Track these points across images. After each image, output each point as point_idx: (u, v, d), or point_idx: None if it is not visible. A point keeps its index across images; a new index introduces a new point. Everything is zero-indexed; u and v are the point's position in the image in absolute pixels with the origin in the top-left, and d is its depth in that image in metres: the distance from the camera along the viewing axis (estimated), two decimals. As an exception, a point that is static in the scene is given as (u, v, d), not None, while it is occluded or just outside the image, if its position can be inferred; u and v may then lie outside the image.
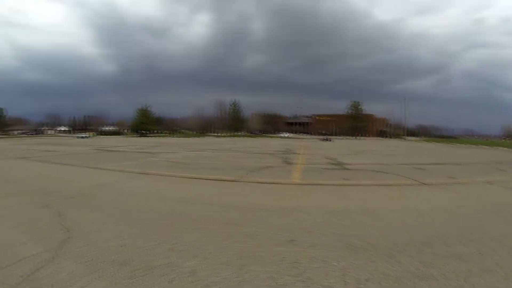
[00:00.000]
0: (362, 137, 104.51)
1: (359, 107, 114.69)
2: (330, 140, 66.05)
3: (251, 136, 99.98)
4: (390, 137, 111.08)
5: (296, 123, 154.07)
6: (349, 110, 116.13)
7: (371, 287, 2.92)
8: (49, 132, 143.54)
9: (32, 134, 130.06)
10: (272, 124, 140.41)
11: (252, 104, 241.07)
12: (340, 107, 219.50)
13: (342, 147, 34.96)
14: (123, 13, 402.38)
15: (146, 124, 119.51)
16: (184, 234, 4.68)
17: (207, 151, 25.69)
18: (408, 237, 4.29)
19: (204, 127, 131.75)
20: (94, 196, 7.73)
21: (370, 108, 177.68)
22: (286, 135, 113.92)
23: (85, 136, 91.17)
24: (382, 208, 6.06)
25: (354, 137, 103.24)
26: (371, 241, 4.14)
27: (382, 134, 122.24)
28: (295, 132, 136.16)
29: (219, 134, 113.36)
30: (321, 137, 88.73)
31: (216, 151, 25.94)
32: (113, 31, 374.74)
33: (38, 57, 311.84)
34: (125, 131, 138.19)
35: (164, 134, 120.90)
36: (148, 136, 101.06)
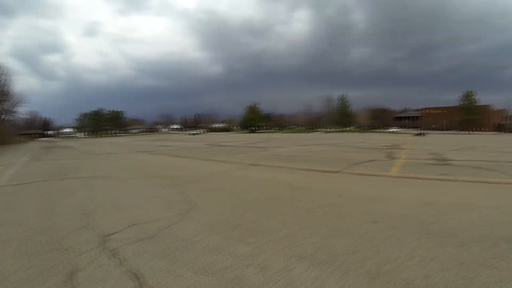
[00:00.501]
0: (476, 132, 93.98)
1: (472, 97, 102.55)
2: (423, 135, 62.23)
3: (359, 132, 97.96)
4: (510, 132, 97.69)
5: (405, 118, 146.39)
6: (460, 101, 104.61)
7: (432, 265, 3.30)
8: (162, 130, 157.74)
9: (147, 132, 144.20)
10: (380, 119, 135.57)
11: (358, 98, 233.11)
12: (452, 98, 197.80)
13: (450, 142, 32.41)
14: (224, 17, 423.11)
15: (255, 121, 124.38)
16: (286, 210, 5.63)
17: (315, 145, 26.43)
18: (489, 232, 4.35)
19: (312, 122, 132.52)
20: (210, 181, 9.28)
21: (486, 98, 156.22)
22: (395, 130, 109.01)
23: (197, 133, 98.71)
24: (473, 203, 6.01)
25: (467, 132, 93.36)
26: (449, 231, 4.37)
27: (500, 128, 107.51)
28: (404, 127, 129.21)
29: (327, 130, 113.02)
30: (415, 131, 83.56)
31: (324, 145, 26.55)
32: (216, 35, 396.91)
33: (150, 65, 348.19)
34: (235, 127, 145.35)
35: (273, 130, 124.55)
36: (257, 132, 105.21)
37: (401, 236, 4.21)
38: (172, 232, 4.59)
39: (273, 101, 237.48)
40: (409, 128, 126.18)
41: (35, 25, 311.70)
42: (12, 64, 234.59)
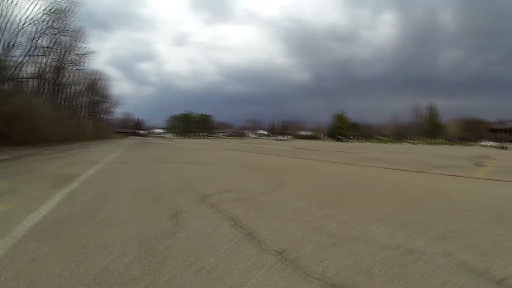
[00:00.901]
0: None
1: None
2: (505, 148, 56.31)
3: (448, 144, 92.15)
4: None
5: (501, 130, 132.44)
6: None
7: (501, 238, 3.52)
8: (249, 135, 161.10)
9: (233, 136, 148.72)
10: (473, 131, 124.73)
11: (449, 107, 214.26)
12: None
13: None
14: (308, 24, 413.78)
15: (342, 129, 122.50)
16: (364, 191, 6.33)
17: (399, 153, 26.05)
18: None
19: (399, 133, 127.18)
20: (297, 171, 10.24)
21: None
22: (489, 143, 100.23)
23: (283, 139, 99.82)
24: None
25: None
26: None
27: None
28: (500, 140, 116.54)
29: (415, 141, 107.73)
30: (497, 144, 76.42)
31: (407, 154, 26.06)
32: (302, 42, 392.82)
33: (238, 71, 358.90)
34: (322, 136, 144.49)
35: (359, 140, 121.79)
36: (344, 141, 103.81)
37: (473, 216, 4.49)
38: (263, 197, 5.44)
39: (360, 109, 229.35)
40: (506, 141, 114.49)
41: (130, 37, 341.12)
42: (111, 72, 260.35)
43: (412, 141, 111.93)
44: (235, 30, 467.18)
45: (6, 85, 29.11)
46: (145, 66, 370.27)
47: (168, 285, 2.25)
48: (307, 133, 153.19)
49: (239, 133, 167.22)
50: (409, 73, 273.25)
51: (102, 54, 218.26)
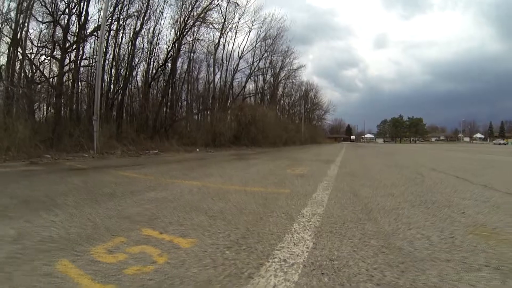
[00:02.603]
0: None
1: None
2: None
3: None
4: None
5: None
6: None
7: None
8: (464, 139, 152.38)
9: (446, 141, 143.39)
10: None
11: None
12: None
13: None
14: None
15: None
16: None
17: None
18: None
19: None
20: None
21: None
22: None
23: (503, 143, 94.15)
24: None
25: None
26: None
27: None
28: None
29: None
30: None
31: None
32: None
33: (445, 67, 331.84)
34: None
35: None
36: None
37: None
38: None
39: None
40: None
41: (330, 46, 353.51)
42: (317, 81, 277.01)
43: None
44: (435, 19, 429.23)
45: (232, 103, 38.85)
46: (350, 72, 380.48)
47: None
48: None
49: (452, 137, 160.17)
50: None
51: (307, 66, 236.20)
